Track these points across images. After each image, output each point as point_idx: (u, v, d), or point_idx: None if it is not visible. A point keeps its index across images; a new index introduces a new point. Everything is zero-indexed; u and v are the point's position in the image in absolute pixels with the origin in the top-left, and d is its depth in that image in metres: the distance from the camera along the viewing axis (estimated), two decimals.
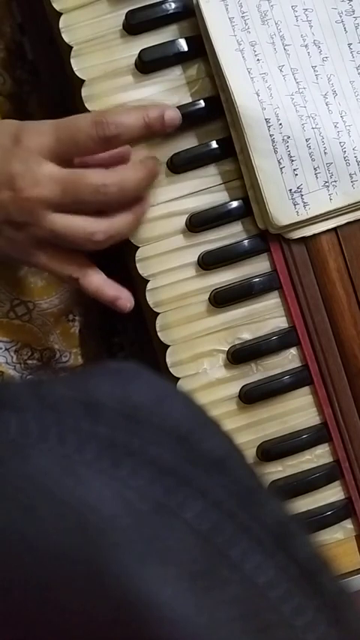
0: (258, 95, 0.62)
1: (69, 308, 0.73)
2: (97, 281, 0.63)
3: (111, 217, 0.62)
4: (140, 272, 0.65)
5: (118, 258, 0.65)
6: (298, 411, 0.67)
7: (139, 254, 0.65)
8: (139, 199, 0.63)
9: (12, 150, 0.59)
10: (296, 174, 0.63)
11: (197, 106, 0.64)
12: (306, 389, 0.67)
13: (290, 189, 0.63)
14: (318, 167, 0.63)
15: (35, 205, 0.59)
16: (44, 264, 0.63)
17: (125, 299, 0.64)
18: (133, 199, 0.62)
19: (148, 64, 0.63)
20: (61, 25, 0.63)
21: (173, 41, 0.64)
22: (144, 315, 0.66)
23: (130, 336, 0.76)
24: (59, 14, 0.63)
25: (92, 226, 0.61)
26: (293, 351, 0.67)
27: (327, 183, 0.63)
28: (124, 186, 0.61)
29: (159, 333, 0.65)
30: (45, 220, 0.60)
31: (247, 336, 0.66)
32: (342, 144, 0.63)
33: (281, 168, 0.63)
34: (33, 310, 0.72)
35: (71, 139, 0.59)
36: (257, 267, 0.66)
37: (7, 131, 0.60)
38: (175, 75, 0.64)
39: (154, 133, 0.62)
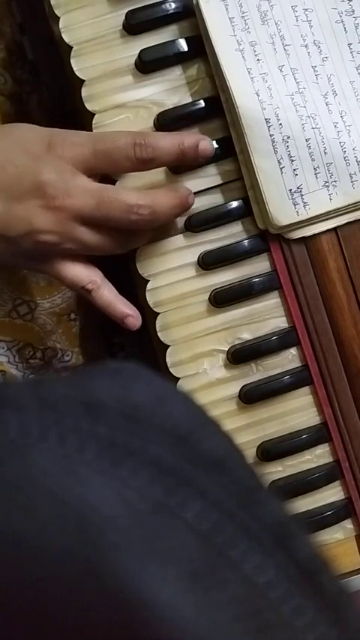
0: (258, 95, 0.62)
1: (71, 307, 0.73)
2: (109, 296, 0.63)
3: (139, 235, 0.62)
4: (140, 272, 0.65)
5: (118, 259, 0.65)
6: (298, 411, 0.67)
7: (139, 254, 0.65)
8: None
9: (44, 157, 0.58)
10: (296, 174, 0.63)
11: (197, 106, 0.64)
12: (306, 389, 0.67)
13: (290, 189, 0.63)
14: (318, 167, 0.63)
15: (66, 216, 0.58)
16: (58, 273, 0.62)
17: (134, 317, 0.64)
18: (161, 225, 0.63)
19: (148, 64, 0.63)
20: (61, 25, 0.63)
21: (173, 41, 0.64)
22: (144, 315, 0.66)
23: (130, 336, 0.76)
24: (59, 14, 0.63)
25: (117, 240, 0.61)
26: (293, 351, 0.67)
27: (327, 183, 0.63)
28: (156, 209, 0.60)
29: (159, 333, 0.65)
30: (74, 232, 0.59)
31: (247, 336, 0.66)
32: (342, 144, 0.63)
33: (281, 169, 0.63)
34: (35, 310, 0.72)
35: (108, 155, 0.59)
36: (257, 267, 0.66)
37: (39, 138, 0.59)
38: (175, 75, 0.64)
39: (186, 161, 0.62)
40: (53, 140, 0.59)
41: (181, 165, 0.64)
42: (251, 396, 0.66)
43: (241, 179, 0.65)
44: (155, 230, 0.64)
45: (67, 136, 0.60)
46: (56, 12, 0.62)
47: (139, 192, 0.60)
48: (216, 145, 0.65)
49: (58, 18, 0.63)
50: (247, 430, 0.66)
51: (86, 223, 0.60)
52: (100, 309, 0.64)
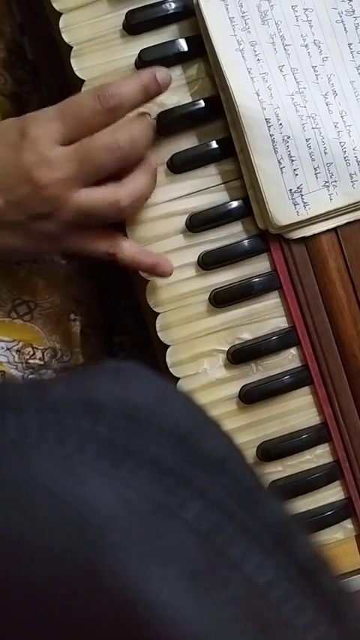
0: (258, 95, 0.62)
1: (70, 307, 0.73)
2: (133, 251, 0.64)
3: (129, 180, 0.62)
4: (140, 272, 0.65)
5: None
6: (298, 411, 0.67)
7: None
8: (144, 158, 0.63)
9: (21, 144, 0.60)
10: (296, 174, 0.63)
11: (197, 106, 0.64)
12: (306, 389, 0.67)
13: (290, 189, 0.63)
14: (318, 167, 0.63)
15: (58, 189, 0.59)
16: (78, 247, 0.63)
17: (164, 264, 0.64)
18: (141, 157, 0.63)
19: (148, 64, 0.63)
20: (61, 25, 0.63)
21: (173, 41, 0.64)
22: (144, 315, 0.66)
23: (130, 336, 0.76)
24: (59, 14, 0.63)
25: (116, 193, 0.61)
26: (293, 351, 0.67)
27: (327, 183, 0.63)
28: (134, 137, 0.61)
29: (159, 333, 0.65)
30: (71, 201, 0.60)
31: (247, 336, 0.66)
32: (342, 144, 0.63)
33: (281, 168, 0.63)
34: (34, 310, 0.72)
35: (77, 117, 0.60)
36: (257, 267, 0.66)
37: (12, 129, 0.61)
38: (175, 75, 0.64)
39: (152, 95, 0.62)
40: (25, 126, 0.60)
41: (181, 165, 0.64)
42: (251, 396, 0.66)
43: (241, 179, 0.65)
44: (155, 226, 0.64)
45: (36, 116, 0.61)
46: (54, 5, 0.63)
47: (111, 129, 0.61)
48: (216, 145, 0.65)
49: (59, 15, 0.63)
50: (247, 430, 0.66)
51: (81, 186, 0.60)
52: (130, 267, 0.64)
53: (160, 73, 0.62)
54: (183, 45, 0.64)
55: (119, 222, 0.65)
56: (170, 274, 0.64)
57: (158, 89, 0.62)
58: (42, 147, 0.59)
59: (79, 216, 0.61)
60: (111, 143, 0.60)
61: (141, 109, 0.64)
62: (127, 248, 0.63)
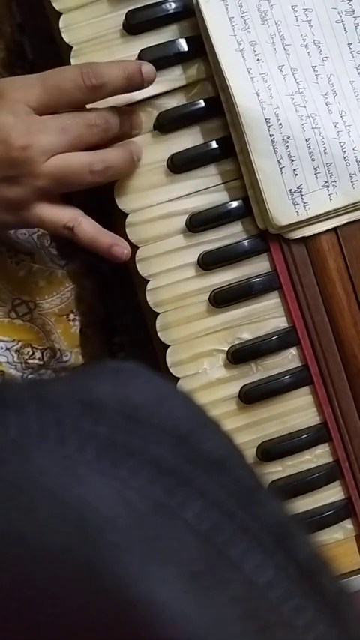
0: (258, 95, 0.62)
1: (70, 307, 0.73)
2: (92, 229, 0.63)
3: (103, 150, 0.62)
4: (140, 272, 0.65)
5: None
6: (298, 411, 0.67)
7: (139, 254, 0.65)
8: (129, 139, 0.64)
9: None
10: (296, 175, 0.63)
11: (197, 106, 0.64)
12: (306, 389, 0.67)
13: (290, 189, 0.63)
14: (318, 167, 0.63)
15: (33, 153, 0.59)
16: (39, 217, 0.62)
17: (121, 246, 0.63)
18: (123, 136, 0.63)
19: None
20: (61, 25, 0.63)
21: (173, 41, 0.64)
22: (144, 315, 0.66)
23: (130, 336, 0.76)
24: (59, 14, 0.63)
25: (89, 157, 0.61)
26: (293, 351, 0.67)
27: (327, 183, 0.63)
28: (108, 118, 0.61)
29: (159, 333, 0.65)
30: (43, 166, 0.60)
31: (247, 336, 0.66)
32: (342, 144, 0.63)
33: (281, 169, 0.63)
34: (34, 310, 0.72)
35: (58, 88, 0.60)
36: (257, 267, 0.66)
37: None
38: (175, 75, 0.64)
39: (134, 87, 0.62)
40: (2, 87, 0.60)
41: (181, 165, 0.64)
42: (251, 396, 0.66)
43: (241, 179, 0.65)
44: (154, 225, 0.64)
45: (16, 80, 0.61)
46: (54, 5, 0.63)
47: (92, 109, 0.61)
48: (216, 145, 0.65)
49: (59, 15, 0.63)
50: (247, 430, 0.66)
51: (54, 155, 0.60)
52: (87, 247, 0.63)
53: (146, 67, 0.62)
54: (183, 45, 0.64)
55: (113, 222, 0.65)
56: (126, 259, 0.64)
57: (141, 82, 0.62)
58: (20, 109, 0.59)
59: (50, 181, 0.60)
60: (93, 118, 0.60)
61: (141, 109, 0.64)
62: (87, 227, 0.63)
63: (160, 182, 0.65)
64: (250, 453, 0.67)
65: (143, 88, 0.62)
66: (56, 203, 0.62)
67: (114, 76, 0.60)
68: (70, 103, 0.61)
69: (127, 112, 0.64)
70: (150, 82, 0.62)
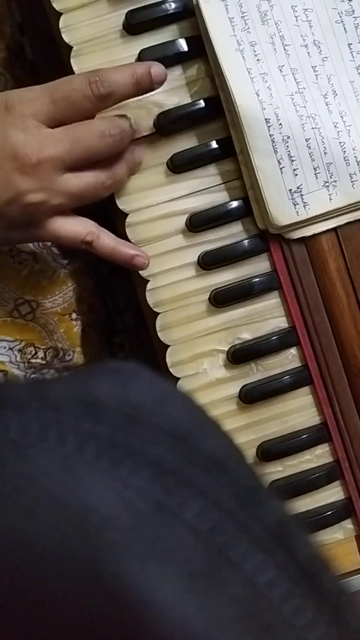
0: (258, 95, 0.62)
1: (72, 307, 0.73)
2: (111, 242, 0.63)
3: (115, 165, 0.62)
4: (140, 272, 0.65)
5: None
6: (298, 411, 0.67)
7: None
8: (126, 152, 0.63)
9: (6, 120, 0.58)
10: (296, 175, 0.63)
11: (197, 106, 0.64)
12: (306, 389, 0.67)
13: (290, 190, 0.63)
14: (318, 167, 0.63)
15: (46, 169, 0.58)
16: (54, 234, 0.62)
17: (142, 256, 0.64)
18: (124, 150, 0.63)
19: None
20: (61, 25, 0.63)
21: (173, 41, 0.64)
22: (144, 315, 0.66)
23: (130, 336, 0.76)
24: (59, 14, 0.63)
25: (100, 175, 0.61)
26: (293, 351, 0.67)
27: (327, 183, 0.63)
28: (122, 127, 0.61)
29: (159, 333, 0.65)
30: (58, 183, 0.59)
31: (247, 336, 0.66)
32: (342, 144, 0.63)
33: (281, 169, 0.63)
34: (36, 309, 0.72)
35: (67, 100, 0.59)
36: (257, 267, 0.66)
37: None
38: (175, 75, 0.64)
39: (143, 90, 0.61)
40: (10, 101, 0.59)
41: (181, 165, 0.64)
42: (251, 396, 0.66)
43: (241, 179, 0.65)
44: (154, 224, 0.64)
45: (22, 93, 0.60)
46: (54, 5, 0.63)
47: (104, 118, 0.61)
48: (216, 145, 0.65)
49: (59, 15, 0.63)
50: (247, 430, 0.66)
51: (67, 169, 0.59)
52: (105, 259, 0.63)
53: (156, 68, 0.61)
54: (183, 45, 0.64)
55: (113, 222, 0.65)
56: (146, 268, 0.64)
57: (151, 85, 0.61)
58: (30, 125, 0.58)
59: (66, 199, 0.60)
60: (104, 130, 0.60)
61: (141, 109, 0.64)
62: (106, 240, 0.63)
63: (160, 182, 0.65)
64: (250, 453, 0.67)
65: (153, 90, 0.62)
66: (71, 217, 0.62)
67: (122, 82, 0.60)
68: (80, 114, 0.60)
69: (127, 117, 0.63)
70: (160, 83, 0.62)
